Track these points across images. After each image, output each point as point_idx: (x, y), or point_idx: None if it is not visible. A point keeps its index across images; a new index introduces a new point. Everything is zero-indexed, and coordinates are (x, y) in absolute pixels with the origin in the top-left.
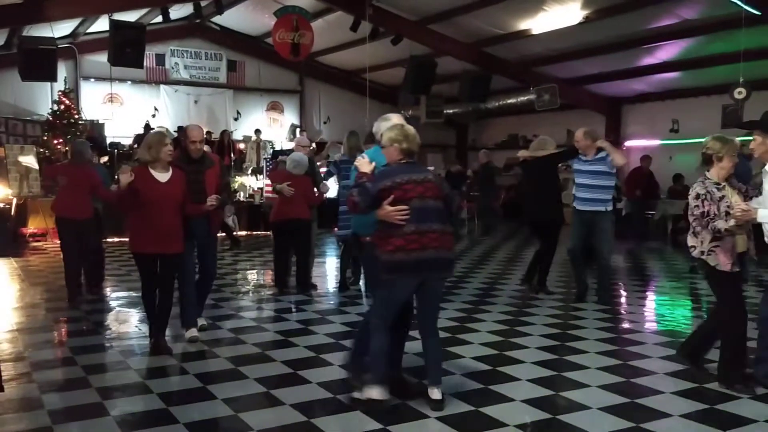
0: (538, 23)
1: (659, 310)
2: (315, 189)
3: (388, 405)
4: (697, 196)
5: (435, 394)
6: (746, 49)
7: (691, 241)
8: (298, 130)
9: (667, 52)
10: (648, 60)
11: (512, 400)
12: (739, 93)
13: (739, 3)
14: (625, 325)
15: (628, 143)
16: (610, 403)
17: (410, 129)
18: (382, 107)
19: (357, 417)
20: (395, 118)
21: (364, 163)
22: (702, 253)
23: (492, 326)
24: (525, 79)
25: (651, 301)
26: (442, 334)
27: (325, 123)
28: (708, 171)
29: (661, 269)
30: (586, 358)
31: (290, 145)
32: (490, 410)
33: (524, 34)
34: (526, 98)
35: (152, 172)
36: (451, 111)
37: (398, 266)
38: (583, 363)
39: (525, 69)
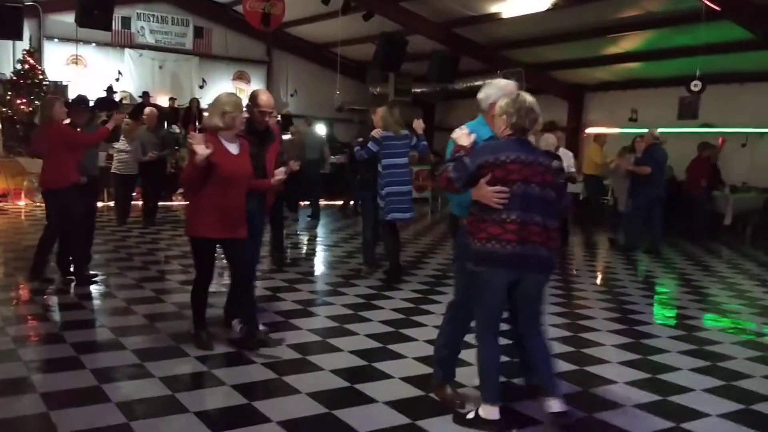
0: (508, 7)
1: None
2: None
3: (501, 426)
4: None
5: (554, 406)
6: (705, 44)
7: None
8: None
9: (631, 42)
10: (612, 49)
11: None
12: (695, 86)
13: None
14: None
15: (588, 130)
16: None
17: (526, 101)
18: (350, 82)
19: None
20: (509, 86)
21: (462, 136)
22: None
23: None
24: (493, 62)
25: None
26: (396, 316)
27: (292, 96)
28: None
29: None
30: None
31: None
32: (363, 386)
33: (494, 18)
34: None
35: (223, 142)
36: (419, 90)
37: (490, 258)
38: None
39: (493, 52)
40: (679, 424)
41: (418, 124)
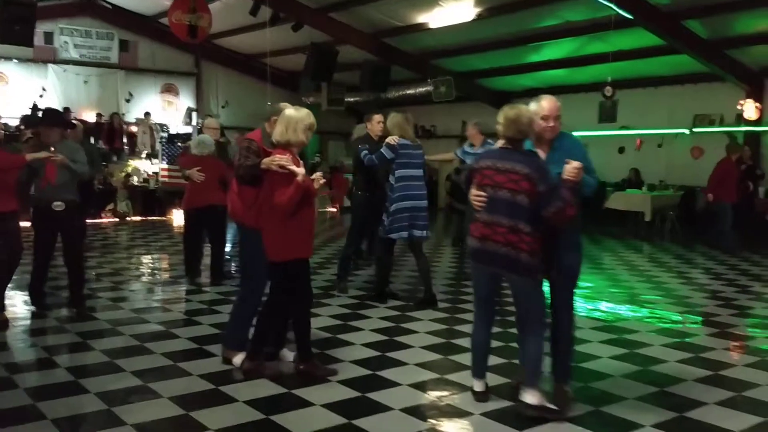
0: (435, 18)
1: None
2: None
3: (482, 396)
4: None
5: (527, 397)
6: (618, 50)
7: None
8: (194, 113)
9: (552, 50)
10: (534, 57)
11: (399, 384)
12: (608, 91)
13: (612, 6)
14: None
15: None
16: None
17: (520, 111)
18: (282, 93)
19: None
20: (541, 97)
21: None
22: None
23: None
24: (423, 70)
25: None
26: (333, 322)
27: (223, 107)
28: None
29: None
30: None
31: (186, 129)
32: (377, 395)
33: (421, 28)
34: (424, 89)
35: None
36: (352, 99)
37: (471, 254)
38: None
39: (423, 61)
40: (599, 408)
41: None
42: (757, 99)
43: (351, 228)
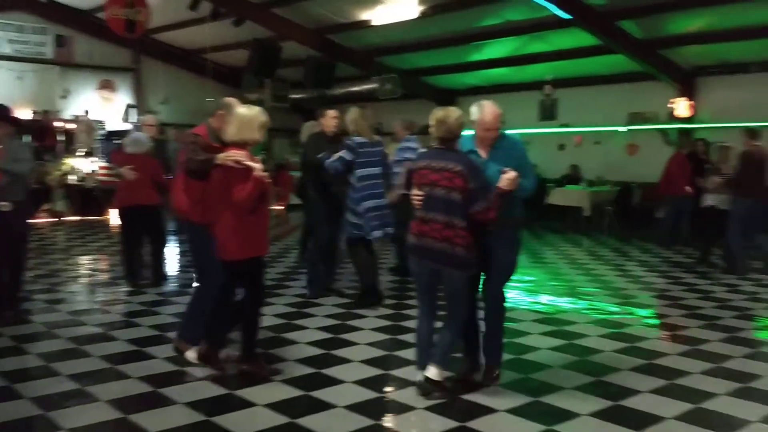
0: (378, 15)
1: None
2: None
3: (426, 388)
4: None
5: (429, 371)
6: (558, 50)
7: None
8: (133, 110)
9: (494, 49)
10: (478, 56)
11: (343, 381)
12: (547, 90)
13: (551, 6)
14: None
15: (463, 132)
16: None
17: (448, 112)
18: (225, 89)
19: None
20: (482, 105)
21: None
22: None
23: (331, 310)
24: (368, 68)
25: None
26: (277, 321)
27: (162, 104)
28: None
29: None
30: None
31: (126, 126)
32: (321, 393)
33: (365, 25)
34: (369, 87)
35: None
36: (297, 96)
37: (410, 249)
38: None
39: (368, 58)
40: (537, 398)
41: None
42: (689, 97)
43: (313, 230)
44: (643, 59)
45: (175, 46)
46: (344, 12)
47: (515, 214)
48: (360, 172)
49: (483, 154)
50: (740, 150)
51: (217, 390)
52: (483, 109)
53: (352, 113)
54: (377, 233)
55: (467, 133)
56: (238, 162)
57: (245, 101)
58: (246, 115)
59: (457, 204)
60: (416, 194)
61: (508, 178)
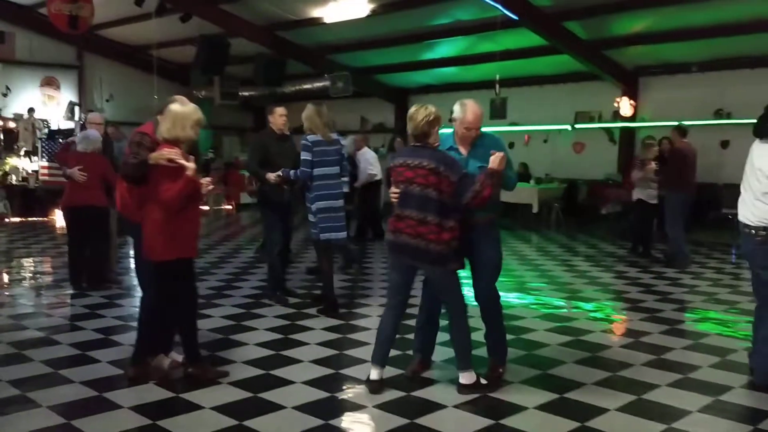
0: (329, 12)
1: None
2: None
3: (377, 386)
4: None
5: (462, 379)
6: (506, 50)
7: None
8: (77, 108)
9: (445, 48)
10: (429, 55)
11: (293, 382)
12: (497, 89)
13: (499, 6)
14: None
15: None
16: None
17: (418, 110)
18: (172, 86)
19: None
20: (465, 104)
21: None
22: None
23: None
24: (320, 65)
25: None
26: (225, 322)
27: (107, 101)
28: None
29: None
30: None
31: (68, 125)
32: (269, 395)
33: (316, 22)
34: (321, 84)
35: None
36: (247, 93)
37: (386, 246)
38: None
39: (319, 56)
40: (486, 393)
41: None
42: (632, 96)
43: (265, 232)
44: (588, 59)
45: (121, 42)
46: (294, 9)
47: (495, 209)
48: (315, 171)
49: (463, 151)
50: (671, 147)
51: (162, 393)
52: (465, 108)
53: (308, 110)
54: (329, 235)
55: (446, 130)
56: (170, 160)
57: (193, 98)
58: (180, 112)
59: (432, 201)
60: (393, 192)
61: (498, 157)
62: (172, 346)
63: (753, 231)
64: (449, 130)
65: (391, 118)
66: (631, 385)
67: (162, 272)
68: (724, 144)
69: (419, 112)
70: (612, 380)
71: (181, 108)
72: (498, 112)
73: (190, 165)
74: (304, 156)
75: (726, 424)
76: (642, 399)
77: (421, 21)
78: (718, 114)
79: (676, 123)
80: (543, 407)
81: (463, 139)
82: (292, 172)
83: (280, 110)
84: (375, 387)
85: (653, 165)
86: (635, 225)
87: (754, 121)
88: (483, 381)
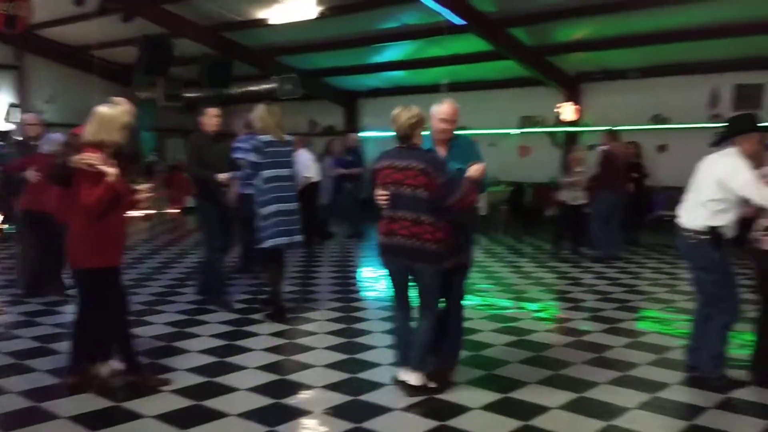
0: (275, 14)
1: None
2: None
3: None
4: None
5: (410, 378)
6: (453, 54)
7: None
8: (18, 109)
9: (393, 52)
10: (377, 58)
11: (237, 389)
12: (444, 93)
13: (444, 12)
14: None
15: (363, 134)
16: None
17: (401, 112)
18: (115, 87)
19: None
20: (441, 105)
21: None
22: None
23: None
24: (267, 67)
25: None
26: (167, 329)
27: (48, 102)
28: None
29: None
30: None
31: (9, 127)
32: (213, 402)
33: (262, 23)
34: (269, 86)
35: None
36: (191, 95)
37: (380, 249)
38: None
39: (266, 57)
40: (432, 395)
41: None
42: (574, 101)
43: (204, 235)
44: (532, 65)
45: (61, 42)
46: (240, 10)
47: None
48: (266, 173)
49: (441, 152)
50: (602, 149)
51: (102, 403)
52: (442, 102)
53: (259, 110)
54: (282, 240)
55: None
56: (90, 165)
57: (135, 100)
58: (106, 115)
59: (423, 201)
60: (381, 194)
61: (478, 168)
62: (112, 354)
63: (690, 234)
64: (426, 132)
65: (340, 121)
66: (572, 383)
67: (86, 280)
68: (661, 148)
69: (402, 114)
70: (554, 379)
71: (108, 110)
72: None
73: (111, 171)
74: (251, 157)
75: (663, 420)
76: (583, 396)
77: (369, 24)
78: (656, 119)
79: (618, 128)
80: (488, 407)
81: (438, 135)
82: (237, 173)
83: (212, 111)
84: (413, 391)
85: (580, 169)
86: (558, 226)
87: (690, 126)
88: (431, 385)
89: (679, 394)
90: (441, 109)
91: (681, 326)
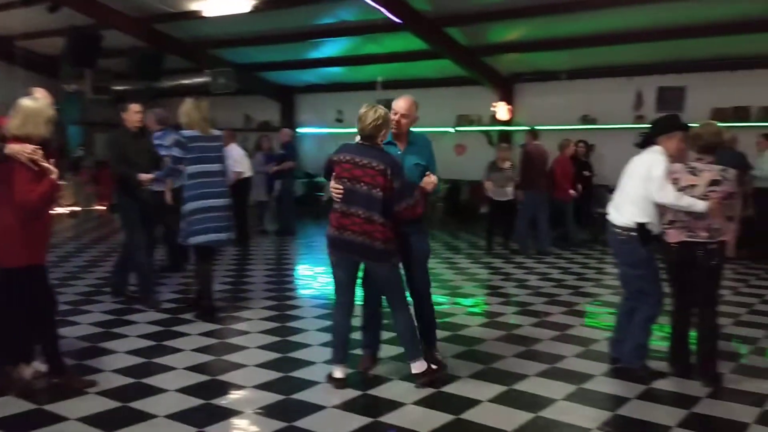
0: (208, 6)
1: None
2: None
3: (342, 384)
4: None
5: (414, 367)
6: (391, 52)
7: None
8: None
9: (330, 48)
10: (314, 54)
11: (166, 390)
12: (378, 91)
13: (381, 9)
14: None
15: (300, 130)
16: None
17: (367, 111)
18: (39, 78)
19: None
20: (398, 100)
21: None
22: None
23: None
24: (200, 60)
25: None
26: (94, 329)
27: None
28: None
29: None
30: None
31: None
32: (140, 404)
33: (195, 15)
34: (202, 80)
35: None
36: (121, 88)
37: (329, 241)
38: (244, 343)
39: (200, 51)
40: (366, 391)
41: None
42: (508, 101)
43: (127, 233)
44: (467, 65)
45: None
46: (172, 1)
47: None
48: (192, 168)
49: (400, 146)
50: (523, 149)
51: (24, 405)
52: (400, 98)
53: (185, 105)
54: (199, 239)
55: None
56: (35, 162)
57: (62, 92)
58: (32, 108)
59: (377, 200)
60: (336, 187)
61: (431, 181)
62: (35, 355)
63: (618, 230)
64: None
65: (276, 117)
66: (503, 376)
67: (11, 279)
68: (590, 148)
69: (368, 114)
70: (486, 372)
71: (33, 104)
72: None
73: (54, 169)
74: (174, 152)
75: (588, 411)
76: (512, 389)
77: (306, 19)
78: (585, 120)
79: (549, 127)
80: (420, 402)
81: (396, 132)
82: (159, 173)
83: (134, 107)
84: (339, 384)
85: (507, 165)
86: (489, 223)
87: (616, 126)
88: (433, 366)
89: (604, 385)
90: (398, 104)
91: (606, 319)
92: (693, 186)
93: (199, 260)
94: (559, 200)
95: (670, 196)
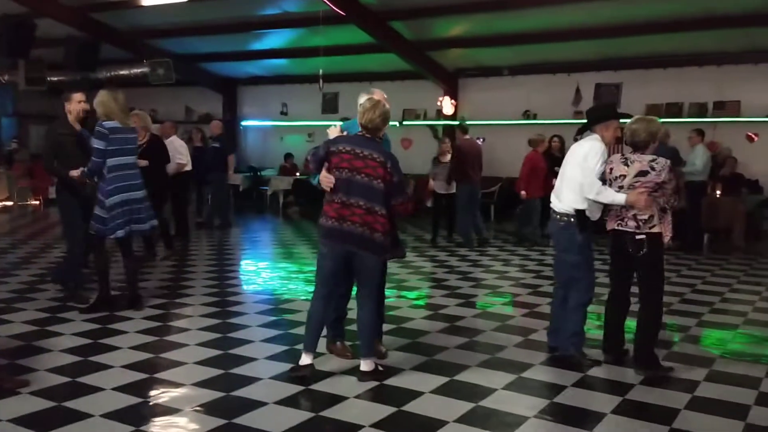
0: None
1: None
2: None
3: (310, 370)
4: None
5: (363, 365)
6: (334, 45)
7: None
8: None
9: (273, 39)
10: (258, 45)
11: (102, 389)
12: (320, 84)
13: (326, 1)
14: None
15: (244, 123)
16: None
17: (373, 106)
18: None
19: None
20: (376, 94)
21: (334, 131)
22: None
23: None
24: (138, 50)
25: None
26: (27, 328)
27: None
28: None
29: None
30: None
31: None
32: (75, 403)
33: (133, 4)
34: (140, 71)
35: None
36: (56, 78)
37: (325, 233)
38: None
39: (137, 40)
40: (309, 387)
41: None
42: (453, 96)
43: (65, 229)
44: (412, 59)
45: None
46: None
47: None
48: (111, 161)
49: None
50: (456, 144)
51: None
52: (375, 91)
53: (101, 95)
54: (119, 233)
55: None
56: None
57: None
58: None
59: (379, 191)
60: (327, 177)
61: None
62: None
63: (558, 216)
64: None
65: (218, 108)
66: (445, 367)
67: None
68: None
69: (377, 107)
70: (428, 364)
71: None
72: (330, 106)
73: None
74: (97, 145)
75: (527, 399)
76: (454, 380)
77: (248, 10)
78: (526, 115)
79: (492, 122)
80: (362, 396)
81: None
82: (84, 169)
83: (77, 96)
84: (303, 371)
85: (448, 159)
86: (433, 216)
87: (556, 122)
88: (380, 368)
89: (542, 373)
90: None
91: (544, 309)
92: (623, 176)
93: (97, 252)
94: (529, 198)
95: (593, 191)
